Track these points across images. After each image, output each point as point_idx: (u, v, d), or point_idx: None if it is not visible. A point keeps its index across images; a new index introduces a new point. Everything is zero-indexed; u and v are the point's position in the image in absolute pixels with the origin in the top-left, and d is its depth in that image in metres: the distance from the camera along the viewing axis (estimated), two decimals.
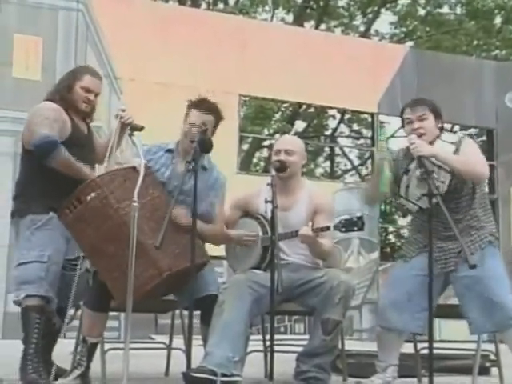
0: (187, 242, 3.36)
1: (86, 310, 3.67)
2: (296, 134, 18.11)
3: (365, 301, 10.87)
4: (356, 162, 19.82)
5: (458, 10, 19.20)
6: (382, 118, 12.51)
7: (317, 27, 18.41)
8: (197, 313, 3.61)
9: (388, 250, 17.10)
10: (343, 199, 10.83)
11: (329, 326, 3.62)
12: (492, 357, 4.53)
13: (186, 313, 3.92)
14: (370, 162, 15.09)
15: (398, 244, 17.66)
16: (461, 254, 3.55)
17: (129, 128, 3.67)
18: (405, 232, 17.95)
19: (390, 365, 3.72)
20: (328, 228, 3.68)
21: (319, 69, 10.85)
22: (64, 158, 3.60)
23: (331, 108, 15.54)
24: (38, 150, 3.58)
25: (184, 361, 3.39)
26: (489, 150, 11.80)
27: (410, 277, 3.61)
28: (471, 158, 3.60)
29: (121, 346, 3.73)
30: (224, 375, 3.35)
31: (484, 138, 13.64)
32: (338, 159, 20.08)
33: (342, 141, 20.49)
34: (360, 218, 3.65)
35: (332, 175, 18.72)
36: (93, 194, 3.40)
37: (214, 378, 3.32)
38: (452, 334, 3.81)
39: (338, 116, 18.94)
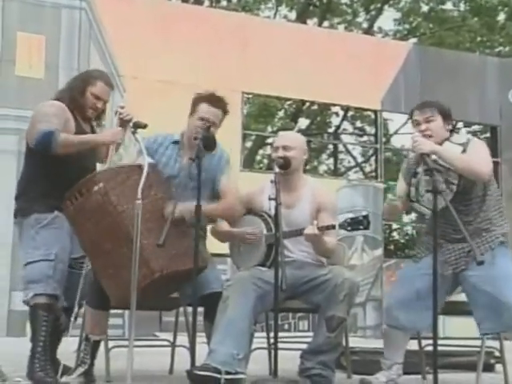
0: (186, 245, 3.35)
1: (88, 309, 3.68)
2: (299, 131, 18.10)
3: (369, 298, 10.86)
4: (359, 159, 19.82)
5: (462, 7, 19.17)
6: (385, 114, 12.51)
7: (320, 24, 18.39)
8: (201, 310, 3.61)
9: (392, 247, 17.10)
10: (346, 196, 10.82)
11: (333, 323, 3.62)
12: (496, 353, 4.53)
13: (190, 310, 3.92)
14: (373, 159, 15.06)
15: (402, 241, 17.66)
16: (470, 253, 3.53)
17: (132, 125, 3.66)
18: (408, 229, 17.95)
19: (395, 363, 3.72)
20: (333, 226, 3.67)
21: (322, 66, 10.84)
22: (64, 141, 3.55)
23: (334, 105, 15.52)
24: (39, 147, 3.58)
25: (188, 358, 3.39)
26: (492, 147, 11.73)
27: (419, 276, 3.59)
28: (473, 157, 3.58)
29: (125, 343, 3.75)
30: (228, 373, 3.35)
31: (488, 134, 13.61)
32: (341, 156, 20.08)
33: (345, 138, 20.49)
34: (366, 216, 3.65)
35: (335, 172, 18.70)
36: (95, 188, 3.40)
37: (218, 375, 3.31)
38: (456, 330, 3.80)
39: (342, 113, 18.92)
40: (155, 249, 3.26)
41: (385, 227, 12.73)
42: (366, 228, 3.66)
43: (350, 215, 3.71)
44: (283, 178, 3.74)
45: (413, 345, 4.08)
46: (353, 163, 19.95)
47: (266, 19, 15.90)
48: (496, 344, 4.21)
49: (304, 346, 3.79)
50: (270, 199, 3.48)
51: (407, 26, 19.62)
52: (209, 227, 3.92)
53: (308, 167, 17.28)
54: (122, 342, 4.28)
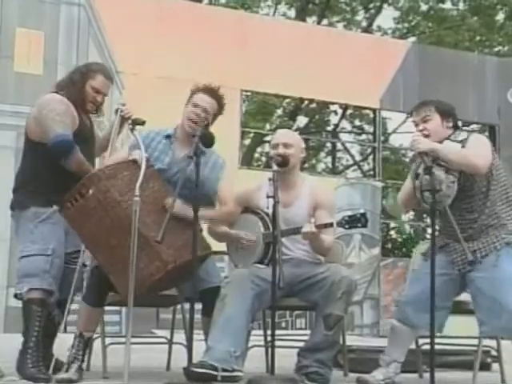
0: (189, 235, 3.36)
1: (83, 305, 3.68)
2: (298, 129, 18.10)
3: (366, 296, 10.87)
4: (358, 158, 19.81)
5: (461, 6, 19.18)
6: (384, 113, 12.51)
7: (319, 22, 18.39)
8: (198, 308, 3.61)
9: (389, 245, 17.09)
10: (345, 194, 10.83)
11: (331, 321, 3.62)
12: (493, 352, 4.54)
13: (187, 307, 3.92)
14: (371, 157, 15.07)
15: (400, 240, 17.65)
16: (476, 253, 3.51)
17: (130, 122, 3.67)
18: (406, 228, 17.94)
19: (394, 360, 3.71)
20: (331, 225, 3.67)
21: (321, 64, 10.83)
22: (79, 160, 3.60)
23: (333, 103, 15.51)
24: (55, 151, 3.57)
25: (185, 355, 3.39)
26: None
27: (428, 275, 3.58)
28: (469, 150, 3.55)
29: (122, 340, 3.74)
30: (225, 370, 3.35)
31: (486, 133, 13.62)
32: (339, 155, 20.06)
33: (343, 136, 20.49)
34: (363, 214, 3.64)
35: (334, 170, 18.70)
36: (94, 188, 3.40)
37: (215, 372, 3.32)
38: (453, 329, 3.80)
39: (340, 111, 18.91)
40: (165, 241, 3.27)
41: (382, 226, 12.72)
42: (364, 226, 3.65)
43: (348, 213, 3.71)
44: (281, 176, 3.73)
45: None
46: (351, 162, 19.95)
47: (265, 17, 15.88)
48: (493, 343, 4.22)
49: (301, 344, 3.79)
50: (268, 197, 3.48)
51: (406, 25, 19.62)
52: (205, 226, 3.91)
53: (306, 165, 17.28)
54: (119, 339, 4.28)
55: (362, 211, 3.67)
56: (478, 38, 18.79)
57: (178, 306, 4.30)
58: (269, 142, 4.32)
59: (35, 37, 9.52)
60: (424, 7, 19.21)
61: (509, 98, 12.19)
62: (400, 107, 11.76)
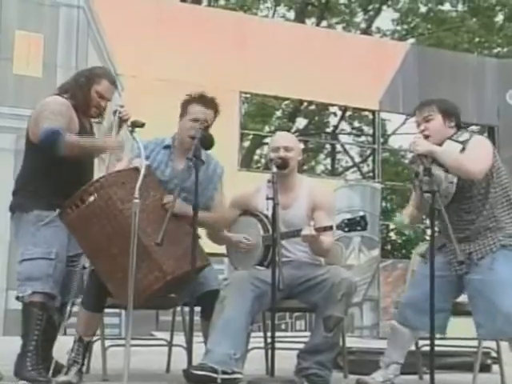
0: (188, 244, 3.35)
1: (82, 310, 3.67)
2: (297, 131, 18.13)
3: (365, 298, 10.87)
4: (357, 160, 19.82)
5: (460, 7, 19.18)
6: (383, 115, 12.51)
7: (318, 24, 18.39)
8: (197, 310, 3.61)
9: (389, 247, 17.09)
10: (344, 196, 10.82)
11: (331, 323, 3.62)
12: (493, 354, 4.53)
13: (186, 310, 3.92)
14: (371, 159, 15.07)
15: (399, 241, 17.65)
16: (472, 255, 3.51)
17: (130, 124, 3.66)
18: (402, 219, 17.91)
19: (394, 362, 3.71)
20: (331, 227, 3.67)
21: (320, 66, 10.84)
22: (68, 143, 3.53)
23: (332, 105, 15.51)
24: (43, 145, 3.54)
25: (185, 358, 3.39)
26: None
27: (426, 277, 3.58)
28: (466, 155, 3.52)
29: (122, 342, 3.74)
30: (225, 372, 3.35)
31: (485, 134, 13.63)
32: (339, 156, 20.07)
33: (343, 138, 20.51)
34: (363, 217, 3.65)
35: (333, 172, 18.71)
36: (96, 195, 3.39)
37: (215, 375, 3.31)
38: (453, 331, 3.79)
39: (340, 113, 18.92)
40: (164, 250, 3.28)
41: (382, 227, 12.72)
42: (364, 229, 3.66)
43: (348, 216, 3.71)
44: (280, 179, 3.73)
45: None
46: (350, 163, 19.96)
47: (264, 18, 15.90)
48: (493, 345, 4.22)
49: (301, 346, 3.79)
50: (267, 199, 3.48)
51: (405, 27, 19.63)
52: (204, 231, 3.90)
53: (305, 167, 17.29)
54: (118, 341, 4.27)
55: (361, 214, 3.67)
56: (477, 39, 18.79)
57: (178, 308, 4.29)
58: (268, 144, 4.31)
59: (34, 39, 9.52)
60: (423, 9, 19.23)
61: (508, 99, 12.20)
62: (399, 109, 11.77)
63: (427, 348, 3.50)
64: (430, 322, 3.32)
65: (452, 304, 3.66)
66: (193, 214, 3.37)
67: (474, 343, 4.03)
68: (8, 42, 9.37)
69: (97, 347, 4.03)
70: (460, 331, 4.48)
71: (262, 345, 4.23)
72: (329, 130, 19.87)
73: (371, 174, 12.64)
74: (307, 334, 3.94)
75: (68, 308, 3.62)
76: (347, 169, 19.99)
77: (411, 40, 18.60)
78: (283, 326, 10.42)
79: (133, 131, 3.62)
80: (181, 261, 3.40)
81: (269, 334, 3.83)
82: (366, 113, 15.75)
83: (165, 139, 3.84)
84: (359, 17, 20.01)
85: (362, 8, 19.79)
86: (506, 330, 3.45)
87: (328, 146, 20.14)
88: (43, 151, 3.56)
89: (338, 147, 19.77)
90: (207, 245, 3.84)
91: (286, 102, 17.98)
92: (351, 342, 5.20)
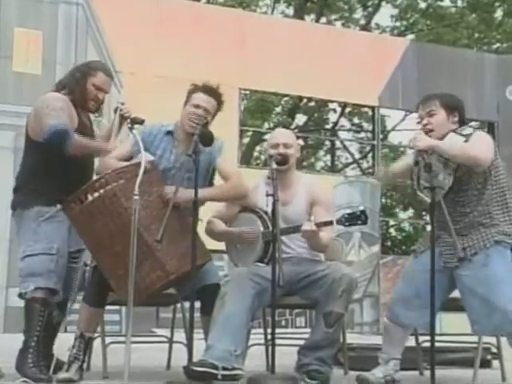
0: (190, 242, 3.35)
1: (84, 306, 3.67)
2: (297, 127, 18.12)
3: (366, 294, 10.87)
4: (357, 156, 19.80)
5: (459, 3, 19.16)
6: (382, 111, 12.50)
7: (317, 20, 18.37)
8: (198, 306, 3.61)
9: (389, 243, 17.11)
10: (344, 193, 10.82)
11: (331, 319, 3.62)
12: (493, 349, 4.54)
13: (187, 306, 3.92)
14: (370, 155, 15.07)
15: (399, 237, 17.67)
16: (466, 251, 3.49)
17: (129, 121, 3.66)
18: (405, 225, 17.96)
19: (392, 358, 3.71)
20: (331, 223, 3.67)
21: (320, 62, 10.83)
22: (78, 144, 3.54)
23: (332, 101, 15.52)
24: (50, 143, 3.52)
25: (185, 354, 3.39)
26: None
27: (418, 273, 3.56)
28: (471, 144, 3.51)
29: (122, 339, 3.75)
30: (225, 369, 3.35)
31: (485, 130, 13.64)
32: (338, 153, 20.06)
33: (342, 134, 20.47)
34: (363, 211, 3.64)
35: (333, 169, 18.70)
36: (101, 191, 3.39)
37: (215, 371, 3.32)
38: (452, 326, 3.80)
39: (339, 109, 18.91)
40: (168, 249, 3.28)
41: (382, 223, 12.72)
42: (364, 223, 3.65)
43: (348, 211, 3.71)
44: (279, 175, 3.73)
45: (410, 341, 4.08)
46: (350, 160, 19.93)
47: (263, 15, 15.89)
48: (493, 340, 4.22)
49: (301, 342, 3.80)
50: (267, 195, 3.48)
51: (405, 23, 19.59)
52: (203, 226, 3.90)
53: (305, 163, 17.29)
54: (119, 338, 4.28)
55: (361, 208, 3.67)
56: (476, 35, 18.76)
57: (178, 305, 4.30)
58: (267, 140, 4.31)
59: (34, 36, 9.51)
60: (422, 5, 19.19)
61: (507, 95, 12.19)
62: (399, 105, 11.76)
63: (428, 344, 3.50)
64: (430, 318, 3.32)
65: (441, 300, 3.63)
66: (193, 215, 3.37)
67: (475, 339, 4.03)
68: (7, 40, 9.36)
69: (97, 344, 4.03)
70: (460, 327, 4.48)
71: (263, 341, 4.24)
72: (328, 126, 19.85)
73: (371, 170, 12.64)
74: (307, 330, 3.94)
75: (68, 305, 3.61)
76: (347, 165, 19.98)
77: (410, 36, 18.58)
78: (283, 323, 10.43)
79: (132, 128, 3.63)
80: (183, 259, 3.39)
81: (269, 330, 3.83)
82: (366, 109, 15.76)
83: (167, 125, 3.84)
84: (358, 13, 20.01)
85: (361, 4, 19.77)
86: (503, 327, 3.44)
87: (327, 142, 20.14)
88: (46, 148, 3.56)
89: (338, 143, 19.76)
90: (207, 242, 3.84)
91: (286, 99, 17.97)
92: (351, 338, 5.20)
